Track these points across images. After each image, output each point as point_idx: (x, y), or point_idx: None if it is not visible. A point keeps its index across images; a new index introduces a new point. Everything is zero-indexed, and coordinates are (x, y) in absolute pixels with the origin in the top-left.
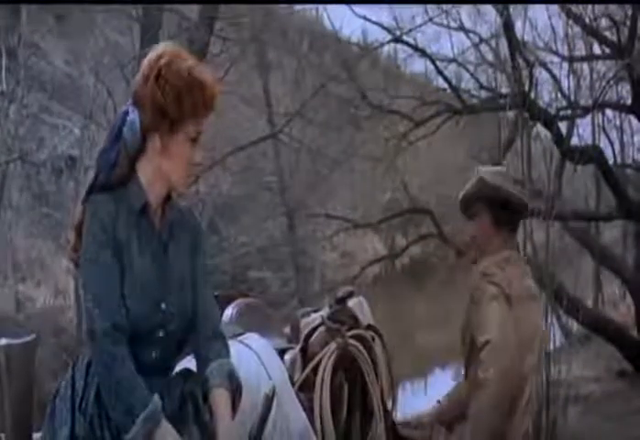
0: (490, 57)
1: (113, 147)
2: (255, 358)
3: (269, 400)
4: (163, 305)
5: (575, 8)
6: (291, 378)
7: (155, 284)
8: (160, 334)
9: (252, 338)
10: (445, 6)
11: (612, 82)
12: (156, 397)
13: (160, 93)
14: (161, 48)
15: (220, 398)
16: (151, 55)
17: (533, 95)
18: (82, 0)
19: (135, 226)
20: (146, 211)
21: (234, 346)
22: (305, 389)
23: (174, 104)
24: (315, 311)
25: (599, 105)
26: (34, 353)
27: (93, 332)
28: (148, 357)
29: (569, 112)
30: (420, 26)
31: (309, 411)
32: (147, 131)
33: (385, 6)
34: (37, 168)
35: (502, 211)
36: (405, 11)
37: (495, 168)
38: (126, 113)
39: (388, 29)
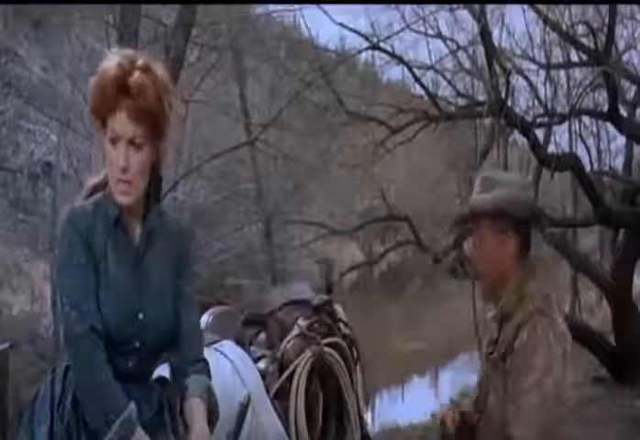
0: (467, 64)
1: None
2: (230, 366)
3: (243, 408)
4: (141, 316)
5: (552, 15)
6: (266, 385)
7: (132, 295)
8: (137, 344)
9: (228, 346)
10: (422, 13)
11: (588, 90)
12: (132, 404)
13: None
14: (114, 59)
15: (195, 406)
16: (104, 63)
17: (510, 103)
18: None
19: (111, 236)
20: (121, 220)
21: (210, 354)
22: (281, 396)
23: (90, 106)
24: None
25: (576, 112)
26: (7, 361)
27: (70, 335)
28: (124, 366)
29: (546, 119)
30: (397, 33)
31: (284, 418)
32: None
33: (362, 13)
34: (13, 174)
35: (529, 228)
36: (382, 18)
37: (516, 178)
38: None
39: (365, 36)
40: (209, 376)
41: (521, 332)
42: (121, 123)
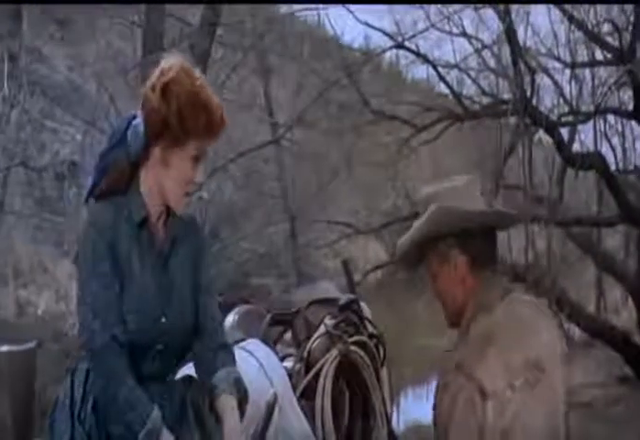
0: (492, 63)
1: (114, 150)
2: (257, 365)
3: (270, 407)
4: (163, 319)
5: (577, 14)
6: (292, 384)
7: (155, 298)
8: (159, 347)
9: (254, 345)
10: (447, 12)
11: (613, 88)
12: (155, 411)
13: (165, 107)
14: (173, 60)
15: (227, 404)
16: (163, 65)
17: (534, 101)
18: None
19: (135, 239)
20: (146, 223)
21: (235, 352)
22: (307, 395)
23: (176, 119)
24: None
25: (600, 111)
26: (34, 359)
27: (92, 345)
28: (147, 368)
29: (571, 118)
30: (422, 32)
31: (310, 417)
32: (149, 139)
33: (387, 12)
34: (38, 173)
35: (481, 243)
36: (407, 17)
37: (451, 184)
38: (134, 117)
39: (390, 35)
40: (234, 362)
41: (444, 395)
42: (213, 141)
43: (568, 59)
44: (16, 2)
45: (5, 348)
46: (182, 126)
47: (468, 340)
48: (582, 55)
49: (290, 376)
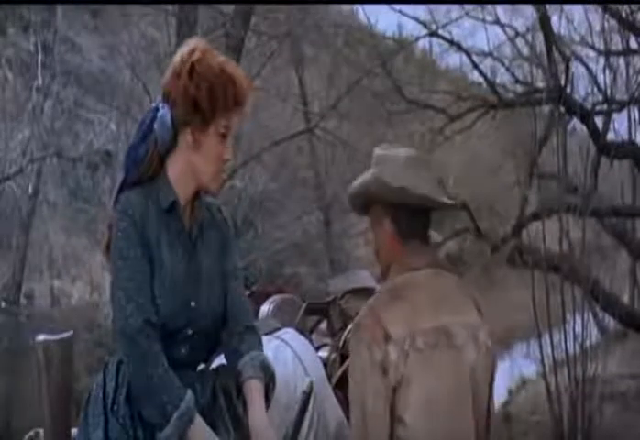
0: (525, 51)
1: (142, 143)
2: (292, 354)
3: (306, 396)
4: (193, 303)
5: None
6: (328, 374)
7: (185, 283)
8: (189, 331)
9: (289, 334)
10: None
11: None
12: (189, 394)
13: (194, 87)
14: (192, 44)
15: (253, 389)
16: (183, 50)
17: (569, 90)
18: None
19: (164, 225)
20: (174, 209)
21: (271, 341)
22: (342, 385)
23: (207, 98)
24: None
25: (635, 100)
26: (72, 349)
27: (126, 328)
28: (177, 353)
29: (605, 106)
30: (456, 20)
31: (346, 407)
32: (179, 126)
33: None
34: (72, 163)
35: (410, 217)
36: (441, 5)
37: (400, 154)
38: (156, 109)
39: (423, 23)
40: (260, 345)
41: (354, 333)
42: (238, 118)
43: (603, 47)
44: (47, 2)
45: (42, 337)
46: (212, 104)
47: (382, 289)
48: (616, 43)
49: (325, 365)
